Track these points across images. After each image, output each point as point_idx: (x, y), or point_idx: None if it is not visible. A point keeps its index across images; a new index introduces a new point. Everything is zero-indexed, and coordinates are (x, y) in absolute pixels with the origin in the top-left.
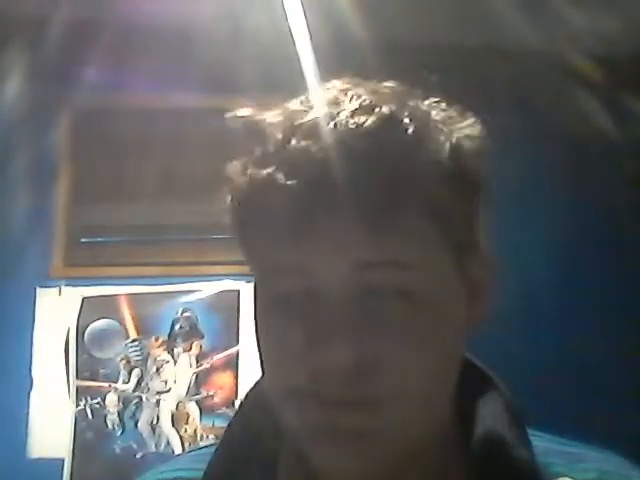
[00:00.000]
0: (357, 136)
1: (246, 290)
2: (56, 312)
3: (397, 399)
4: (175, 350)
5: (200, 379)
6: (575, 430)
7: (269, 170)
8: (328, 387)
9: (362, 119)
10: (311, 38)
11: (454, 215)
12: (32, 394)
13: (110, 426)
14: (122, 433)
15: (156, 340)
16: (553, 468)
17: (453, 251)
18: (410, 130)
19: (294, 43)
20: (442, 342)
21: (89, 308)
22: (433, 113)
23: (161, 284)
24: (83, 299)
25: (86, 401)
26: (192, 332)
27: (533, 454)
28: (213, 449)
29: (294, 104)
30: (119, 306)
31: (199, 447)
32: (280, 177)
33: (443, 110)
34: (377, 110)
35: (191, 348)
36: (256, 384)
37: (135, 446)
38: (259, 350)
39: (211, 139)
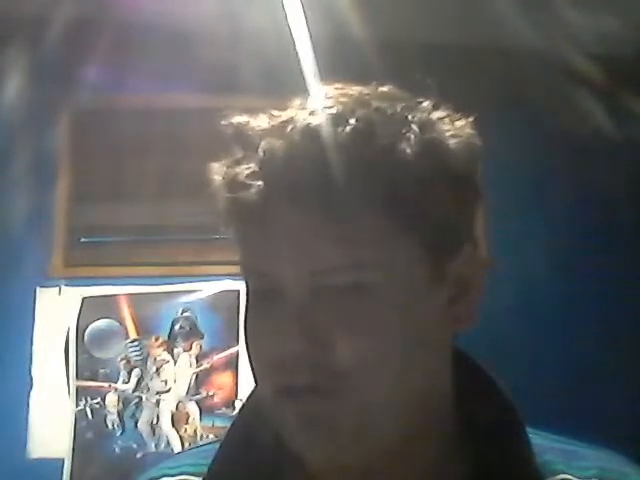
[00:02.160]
0: (307, 136)
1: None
2: (56, 312)
3: (356, 388)
4: (175, 350)
5: (200, 379)
6: (574, 430)
7: (237, 170)
8: (288, 379)
9: (312, 120)
10: (311, 38)
11: (430, 213)
12: (32, 394)
13: (110, 426)
14: (122, 433)
15: (156, 340)
16: (552, 466)
17: (429, 249)
18: (352, 128)
19: (294, 43)
20: (404, 337)
21: (89, 308)
22: (409, 113)
23: (161, 284)
24: (83, 299)
25: (86, 401)
26: (192, 332)
27: (533, 453)
28: (218, 445)
29: (280, 108)
30: (119, 306)
31: (204, 443)
32: (246, 177)
33: (426, 111)
34: (327, 110)
35: (191, 348)
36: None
37: (135, 446)
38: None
39: (211, 139)
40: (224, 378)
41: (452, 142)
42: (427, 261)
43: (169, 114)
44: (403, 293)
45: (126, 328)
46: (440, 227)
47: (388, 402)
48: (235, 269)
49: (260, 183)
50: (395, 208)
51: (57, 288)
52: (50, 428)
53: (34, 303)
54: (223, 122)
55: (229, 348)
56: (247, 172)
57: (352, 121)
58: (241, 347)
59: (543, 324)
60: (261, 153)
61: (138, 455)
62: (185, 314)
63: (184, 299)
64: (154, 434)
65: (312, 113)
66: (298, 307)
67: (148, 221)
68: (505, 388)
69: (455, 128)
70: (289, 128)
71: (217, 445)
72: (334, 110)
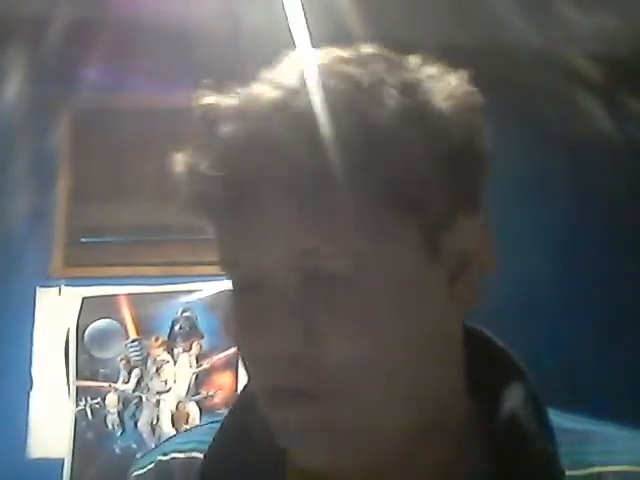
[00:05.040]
0: (269, 116)
1: None
2: (56, 312)
3: (349, 390)
4: (175, 350)
5: (200, 379)
6: None
7: (198, 160)
8: (274, 379)
9: (274, 96)
10: (311, 38)
11: (418, 188)
12: (32, 394)
13: (110, 426)
14: (122, 433)
15: (156, 340)
16: (586, 457)
17: (420, 226)
18: (316, 101)
19: (294, 43)
20: (401, 326)
21: (89, 308)
22: (390, 76)
23: (161, 284)
24: (83, 299)
25: (86, 401)
26: (192, 332)
27: (555, 446)
28: None
29: (245, 84)
30: (119, 306)
31: (215, 420)
32: (207, 168)
33: (412, 71)
34: (284, 83)
35: (191, 348)
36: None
37: (135, 446)
38: None
39: None
40: (224, 378)
41: (445, 105)
42: (419, 240)
43: (169, 114)
44: (396, 279)
45: (126, 328)
46: (432, 201)
47: (389, 401)
48: None
49: (223, 173)
50: (377, 185)
51: (57, 288)
52: (50, 428)
53: (34, 303)
54: (195, 104)
55: (229, 348)
56: (209, 162)
57: (318, 93)
58: None
59: (543, 324)
60: (222, 139)
61: (138, 455)
62: (185, 314)
63: (184, 299)
64: (154, 434)
65: (276, 88)
66: (280, 299)
67: (148, 221)
68: (530, 375)
69: (449, 87)
70: (250, 108)
71: None
72: (296, 83)
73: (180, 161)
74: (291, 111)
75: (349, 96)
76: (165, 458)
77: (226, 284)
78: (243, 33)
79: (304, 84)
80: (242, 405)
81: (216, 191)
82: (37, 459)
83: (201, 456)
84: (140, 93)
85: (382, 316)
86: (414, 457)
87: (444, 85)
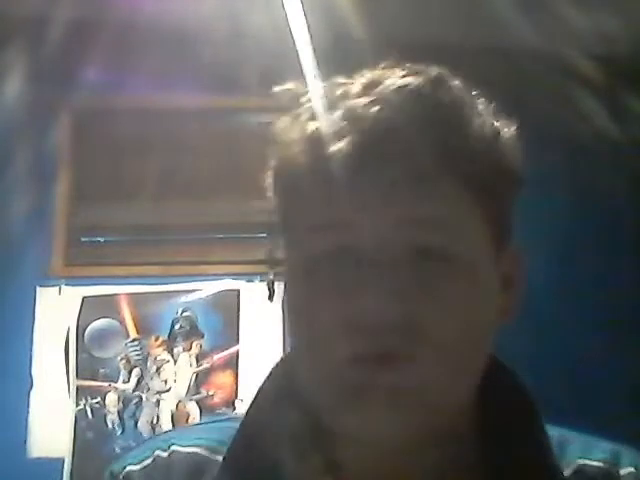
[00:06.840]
0: (405, 94)
1: (246, 290)
2: (56, 312)
3: (431, 360)
4: (175, 350)
5: (200, 379)
6: (573, 425)
7: (318, 125)
8: (363, 343)
9: (409, 80)
10: (311, 38)
11: (497, 198)
12: (32, 394)
13: (110, 426)
14: (122, 433)
15: (156, 340)
16: (572, 454)
17: (492, 232)
18: (457, 92)
19: (294, 43)
20: (477, 315)
21: (89, 308)
22: (474, 99)
23: (161, 284)
24: (83, 299)
25: (86, 401)
26: (192, 332)
27: (552, 452)
28: (231, 423)
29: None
30: (119, 306)
31: (215, 419)
32: (329, 132)
33: (480, 101)
34: (424, 72)
35: (191, 348)
36: (276, 368)
37: (135, 446)
38: (289, 321)
39: (211, 139)
40: (224, 378)
41: (507, 137)
42: (491, 244)
43: (169, 114)
44: (480, 268)
45: (126, 328)
46: (501, 214)
47: (451, 381)
48: (235, 269)
49: (351, 136)
50: (472, 182)
51: (57, 288)
52: (50, 428)
53: (34, 303)
54: (276, 89)
55: (229, 348)
56: (336, 126)
57: (454, 83)
58: (241, 347)
59: (542, 325)
60: (353, 107)
61: None
62: (185, 314)
63: (184, 299)
64: (154, 434)
65: (403, 76)
66: (383, 266)
67: (148, 221)
68: (523, 382)
69: (504, 125)
70: (380, 87)
71: (230, 423)
72: (431, 74)
73: (293, 125)
74: (423, 96)
75: (468, 100)
76: (164, 454)
77: (227, 284)
78: (243, 33)
79: (429, 85)
80: (271, 396)
81: (343, 150)
82: (37, 459)
83: (203, 452)
84: (140, 93)
85: (469, 299)
86: (434, 441)
87: (501, 124)
